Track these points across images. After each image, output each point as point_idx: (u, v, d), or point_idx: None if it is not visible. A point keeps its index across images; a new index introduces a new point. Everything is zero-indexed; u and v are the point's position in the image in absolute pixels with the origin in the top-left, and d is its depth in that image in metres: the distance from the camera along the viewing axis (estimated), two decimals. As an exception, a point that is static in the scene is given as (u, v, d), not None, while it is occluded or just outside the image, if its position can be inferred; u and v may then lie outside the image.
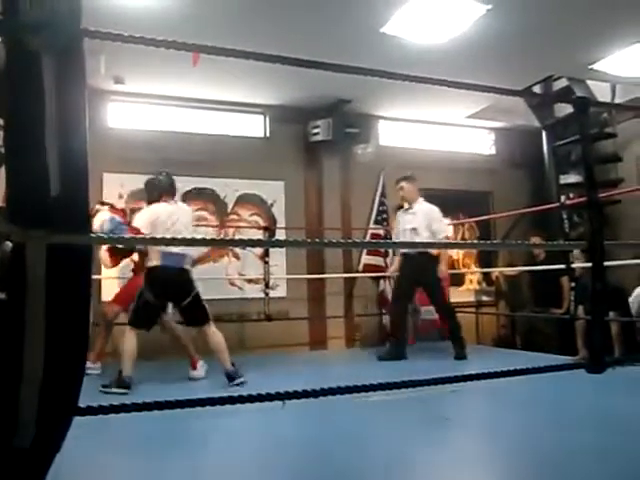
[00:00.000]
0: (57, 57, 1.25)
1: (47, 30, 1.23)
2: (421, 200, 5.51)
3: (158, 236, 4.06)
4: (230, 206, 6.70)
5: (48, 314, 1.19)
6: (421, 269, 5.27)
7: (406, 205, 5.58)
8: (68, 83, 1.25)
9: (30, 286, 1.17)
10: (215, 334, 4.20)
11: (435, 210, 5.45)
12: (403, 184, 5.53)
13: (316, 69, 1.69)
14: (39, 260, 1.17)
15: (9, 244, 1.22)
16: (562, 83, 6.87)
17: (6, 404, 1.18)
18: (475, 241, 7.72)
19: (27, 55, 1.22)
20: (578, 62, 5.70)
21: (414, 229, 5.32)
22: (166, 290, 4.20)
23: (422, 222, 5.33)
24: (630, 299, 5.24)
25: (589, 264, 1.71)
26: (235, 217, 6.71)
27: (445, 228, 5.56)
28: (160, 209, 4.34)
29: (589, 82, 6.70)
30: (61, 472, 1.29)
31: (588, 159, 1.66)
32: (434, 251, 5.26)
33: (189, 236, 4.34)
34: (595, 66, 5.73)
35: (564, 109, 7.03)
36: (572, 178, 7.10)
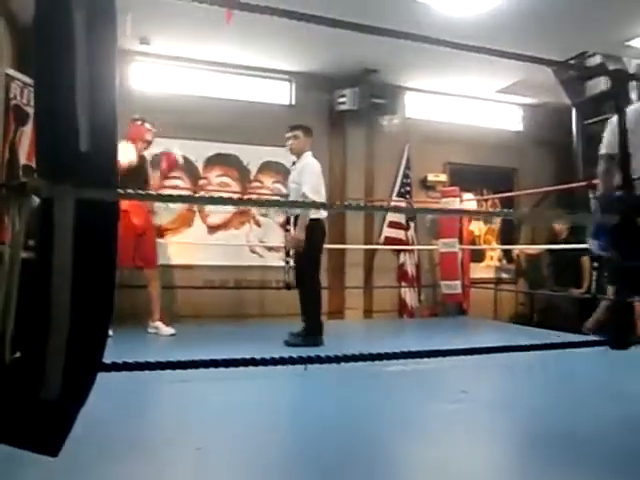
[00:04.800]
0: (89, 14, 1.24)
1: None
2: (307, 154, 4.75)
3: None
4: (253, 173, 6.68)
5: (75, 270, 1.20)
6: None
7: (295, 159, 4.90)
8: (99, 41, 1.24)
9: (57, 241, 1.18)
10: None
11: (310, 165, 4.68)
12: (298, 133, 4.73)
13: (345, 29, 1.67)
14: (67, 215, 1.17)
15: (36, 199, 1.22)
16: (595, 60, 6.68)
17: (33, 358, 1.20)
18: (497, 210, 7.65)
19: (58, 12, 1.21)
20: (614, 38, 5.54)
21: (297, 184, 4.63)
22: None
23: (299, 178, 4.63)
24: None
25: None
26: (258, 184, 6.70)
27: (307, 188, 4.48)
28: None
29: (625, 59, 6.51)
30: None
31: (624, 133, 1.61)
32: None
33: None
34: (632, 42, 5.57)
35: (595, 87, 6.84)
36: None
